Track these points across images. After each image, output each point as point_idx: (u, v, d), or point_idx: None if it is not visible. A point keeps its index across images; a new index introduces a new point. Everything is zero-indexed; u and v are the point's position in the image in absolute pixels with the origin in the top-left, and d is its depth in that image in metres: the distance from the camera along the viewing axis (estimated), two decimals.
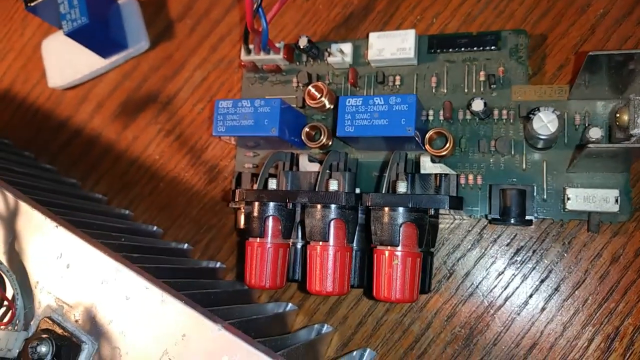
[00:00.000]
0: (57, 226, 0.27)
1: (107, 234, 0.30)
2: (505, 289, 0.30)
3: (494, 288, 0.30)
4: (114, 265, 0.25)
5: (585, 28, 0.31)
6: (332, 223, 0.26)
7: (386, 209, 0.25)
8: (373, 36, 0.32)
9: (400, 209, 0.25)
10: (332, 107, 0.33)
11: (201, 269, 0.34)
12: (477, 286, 0.30)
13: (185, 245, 0.36)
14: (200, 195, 0.37)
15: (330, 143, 0.33)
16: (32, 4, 0.40)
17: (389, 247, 0.25)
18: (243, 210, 0.33)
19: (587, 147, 0.24)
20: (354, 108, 0.29)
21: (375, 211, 0.25)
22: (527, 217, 0.28)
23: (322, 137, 0.32)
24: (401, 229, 0.25)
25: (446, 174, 0.26)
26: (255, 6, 0.30)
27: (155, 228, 0.37)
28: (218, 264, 0.35)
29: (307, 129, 0.32)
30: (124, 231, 0.33)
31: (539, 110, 0.27)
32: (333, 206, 0.26)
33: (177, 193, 0.37)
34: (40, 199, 0.29)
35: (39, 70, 0.44)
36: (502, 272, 0.30)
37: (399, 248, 0.25)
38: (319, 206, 0.26)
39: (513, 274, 0.30)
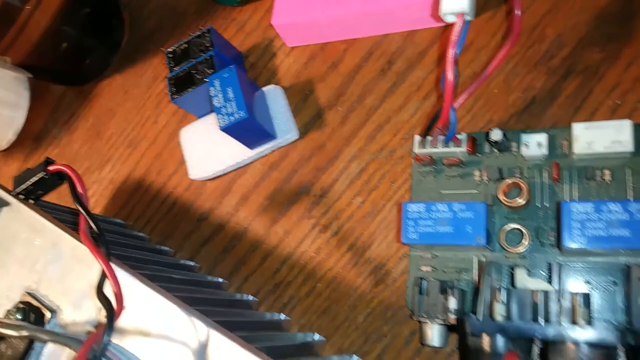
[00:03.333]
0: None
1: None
2: None
3: None
4: None
5: None
6: None
7: None
8: (578, 127, 0.29)
9: None
10: (525, 204, 0.29)
11: None
12: None
13: (354, 358, 0.32)
14: (367, 299, 0.33)
15: (529, 248, 0.29)
16: (179, 96, 0.39)
17: None
18: (431, 325, 0.29)
19: None
20: (584, 215, 0.25)
21: None
22: None
23: (523, 241, 0.28)
24: None
25: None
26: (452, 100, 0.27)
27: (316, 337, 0.33)
28: None
29: (506, 231, 0.29)
30: (285, 347, 0.30)
31: None
32: (586, 346, 0.22)
33: (339, 296, 0.34)
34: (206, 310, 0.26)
35: (175, 160, 0.42)
36: None
37: None
38: (571, 345, 0.22)
39: None
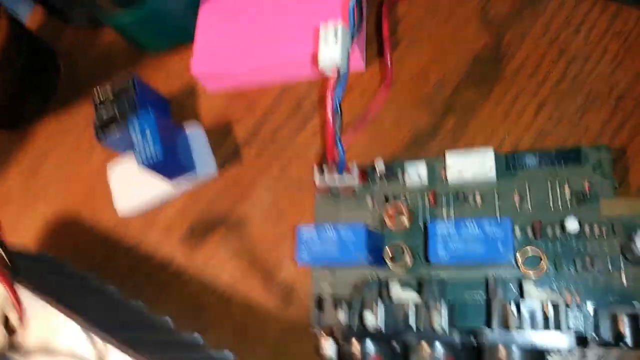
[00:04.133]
0: None
1: None
2: None
3: None
4: None
5: None
6: None
7: (502, 348, 0.24)
8: (450, 156, 0.32)
9: (519, 349, 0.23)
10: (409, 225, 0.33)
11: None
12: None
13: None
14: (276, 319, 0.36)
15: (411, 262, 0.32)
16: (105, 138, 0.41)
17: None
18: (327, 337, 0.31)
19: None
20: (446, 233, 0.28)
21: (490, 350, 0.24)
22: None
23: (405, 258, 0.32)
24: None
25: (555, 303, 0.25)
26: (335, 138, 0.31)
27: (230, 356, 0.35)
28: None
29: (389, 250, 0.32)
30: None
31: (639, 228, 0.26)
32: (440, 344, 0.25)
33: (252, 317, 0.36)
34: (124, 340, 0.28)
35: (105, 195, 0.44)
36: None
37: None
38: (426, 346, 0.25)
39: None
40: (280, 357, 0.35)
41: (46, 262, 0.41)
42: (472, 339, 0.25)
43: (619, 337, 0.26)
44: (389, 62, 0.31)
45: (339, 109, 0.29)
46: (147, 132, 0.38)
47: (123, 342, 0.27)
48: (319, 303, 0.32)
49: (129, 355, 0.26)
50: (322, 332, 0.32)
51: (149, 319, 0.38)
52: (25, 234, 0.47)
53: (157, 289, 0.40)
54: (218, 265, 0.39)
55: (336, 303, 0.31)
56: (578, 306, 0.28)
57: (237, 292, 0.37)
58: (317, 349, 0.33)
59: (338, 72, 0.29)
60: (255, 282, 0.37)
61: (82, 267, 0.42)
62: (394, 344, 0.26)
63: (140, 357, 0.26)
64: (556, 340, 0.23)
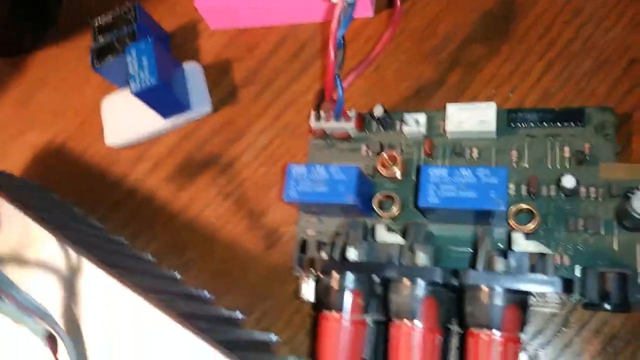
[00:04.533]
0: (123, 288, 0.25)
1: (161, 297, 0.28)
2: None
3: None
4: (185, 333, 0.23)
5: None
6: (423, 302, 0.24)
7: (485, 288, 0.23)
8: (451, 107, 0.32)
9: (503, 289, 0.23)
10: (402, 177, 0.32)
11: (254, 342, 0.32)
12: None
13: (239, 313, 0.34)
14: (258, 262, 0.35)
15: (400, 214, 0.31)
16: (100, 65, 0.40)
17: (486, 331, 0.23)
18: (307, 280, 0.31)
19: None
20: (439, 178, 0.28)
21: (472, 291, 0.23)
22: (628, 304, 0.25)
23: (393, 207, 0.31)
24: (504, 311, 0.23)
25: (543, 254, 0.24)
26: (336, 74, 0.30)
27: (207, 294, 0.35)
28: (274, 337, 0.32)
29: (380, 198, 0.31)
30: (176, 295, 0.31)
31: (638, 188, 0.26)
32: (423, 283, 0.24)
33: (233, 258, 0.36)
34: (101, 259, 0.28)
35: (96, 128, 0.44)
36: None
37: (500, 332, 0.23)
38: (407, 282, 0.24)
39: None
40: (259, 299, 0.34)
41: (30, 187, 0.41)
42: (454, 280, 0.24)
43: (604, 296, 0.26)
44: (398, 1, 0.30)
45: (342, 42, 0.28)
46: (144, 60, 0.37)
47: (99, 259, 0.26)
48: (302, 246, 0.31)
49: (104, 271, 0.26)
50: (302, 273, 0.31)
51: (129, 250, 0.37)
52: (12, 163, 0.46)
53: (140, 225, 0.39)
54: (204, 204, 0.38)
55: (320, 246, 0.31)
56: (566, 268, 0.28)
57: (220, 234, 0.37)
58: (296, 292, 0.33)
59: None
60: (240, 224, 0.36)
61: (67, 199, 0.41)
62: (375, 280, 0.25)
63: (116, 273, 0.26)
64: (542, 284, 0.23)
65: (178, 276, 0.36)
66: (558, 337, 0.28)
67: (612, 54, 0.32)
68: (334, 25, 0.28)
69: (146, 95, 0.37)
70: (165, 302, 0.27)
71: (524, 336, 0.28)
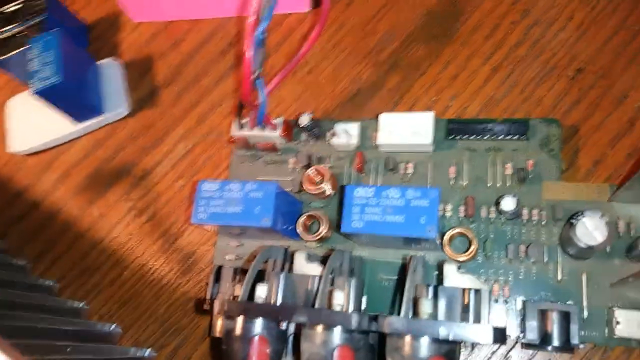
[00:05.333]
0: None
1: (49, 344, 0.23)
2: None
3: None
4: None
5: (622, 121, 0.27)
6: (337, 351, 0.20)
7: (408, 338, 0.20)
8: (385, 117, 0.28)
9: (428, 340, 0.20)
10: (332, 193, 0.29)
11: None
12: None
13: (147, 352, 0.30)
14: (171, 290, 0.31)
15: (329, 236, 0.28)
16: (1, 58, 0.36)
17: None
18: (219, 316, 0.27)
19: None
20: (364, 200, 0.24)
21: (393, 339, 0.20)
22: (572, 344, 0.23)
23: (320, 229, 0.28)
24: None
25: (477, 290, 0.21)
26: (253, 76, 0.26)
27: (113, 327, 0.30)
28: None
29: (303, 219, 0.28)
30: (73, 335, 0.27)
31: (582, 214, 0.23)
32: (338, 329, 0.21)
33: (144, 285, 0.32)
34: None
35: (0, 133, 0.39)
36: None
37: None
38: (320, 328, 0.21)
39: None
40: (171, 333, 0.30)
41: None
42: (374, 326, 0.20)
43: (546, 337, 0.23)
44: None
45: (263, 38, 0.24)
46: (50, 55, 0.32)
47: None
48: (217, 274, 0.27)
49: None
50: (215, 308, 0.27)
51: (28, 278, 0.33)
52: None
53: (44, 243, 0.34)
54: (114, 223, 0.33)
55: (236, 275, 0.27)
56: (505, 300, 0.25)
57: (130, 256, 0.32)
58: (210, 328, 0.29)
59: None
60: (153, 245, 0.32)
61: None
62: (285, 326, 0.22)
63: None
64: (474, 333, 0.20)
65: (81, 306, 0.32)
66: None
67: (560, 61, 0.29)
68: (251, 18, 0.24)
69: (49, 96, 0.33)
70: (45, 352, 0.23)
71: None
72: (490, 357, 0.25)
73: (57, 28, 0.36)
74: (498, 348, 0.25)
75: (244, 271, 0.27)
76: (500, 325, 0.21)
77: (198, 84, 0.36)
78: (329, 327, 0.21)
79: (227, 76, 0.35)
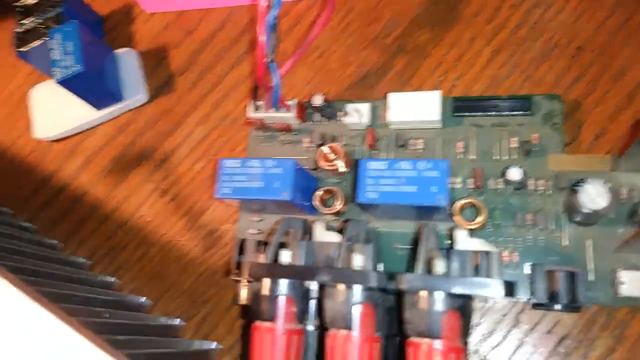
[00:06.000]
0: (31, 301, 0.22)
1: (88, 309, 0.25)
2: None
3: None
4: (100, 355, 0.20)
5: (621, 96, 0.29)
6: (358, 307, 0.22)
7: (424, 293, 0.21)
8: (394, 97, 0.30)
9: (443, 295, 0.21)
10: (346, 170, 0.30)
11: (196, 352, 0.30)
12: None
13: (177, 321, 0.31)
14: (196, 264, 0.33)
15: (345, 210, 0.30)
16: (23, 49, 0.37)
17: (426, 340, 0.21)
18: (245, 284, 0.29)
19: None
20: (378, 172, 0.26)
21: (410, 295, 0.22)
22: (578, 304, 0.24)
23: (336, 203, 0.29)
24: (444, 317, 0.21)
25: (487, 252, 0.23)
26: (267, 60, 0.27)
27: (143, 299, 0.32)
28: (214, 345, 0.30)
29: (320, 193, 0.29)
30: (108, 304, 0.29)
31: (584, 181, 0.24)
32: (359, 287, 0.22)
33: (170, 260, 0.33)
34: (14, 265, 0.25)
35: (25, 120, 0.40)
36: None
37: (441, 341, 0.21)
38: (342, 287, 0.23)
39: None
40: (198, 304, 0.32)
41: None
42: (392, 284, 0.22)
43: (553, 296, 0.24)
44: None
45: (274, 23, 0.26)
46: (70, 45, 0.34)
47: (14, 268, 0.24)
48: (241, 247, 0.29)
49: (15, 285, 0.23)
50: (240, 278, 0.29)
51: (60, 254, 0.35)
52: None
53: (73, 225, 0.36)
54: (139, 203, 0.35)
55: (258, 247, 0.29)
56: (514, 265, 0.27)
57: (156, 234, 0.34)
58: (235, 297, 0.31)
59: None
60: (178, 223, 0.34)
61: None
62: (310, 286, 0.24)
63: (24, 283, 0.23)
64: (483, 288, 0.21)
65: (112, 280, 0.34)
66: (509, 339, 0.27)
67: (560, 41, 0.30)
68: (263, 3, 0.26)
69: (72, 84, 0.34)
70: (86, 315, 0.25)
71: (470, 341, 0.27)
72: (501, 320, 0.27)
73: (74, 18, 0.37)
74: (509, 310, 0.27)
75: (265, 244, 0.28)
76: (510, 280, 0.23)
77: (212, 71, 0.37)
78: (349, 286, 0.22)
79: (240, 63, 0.37)
